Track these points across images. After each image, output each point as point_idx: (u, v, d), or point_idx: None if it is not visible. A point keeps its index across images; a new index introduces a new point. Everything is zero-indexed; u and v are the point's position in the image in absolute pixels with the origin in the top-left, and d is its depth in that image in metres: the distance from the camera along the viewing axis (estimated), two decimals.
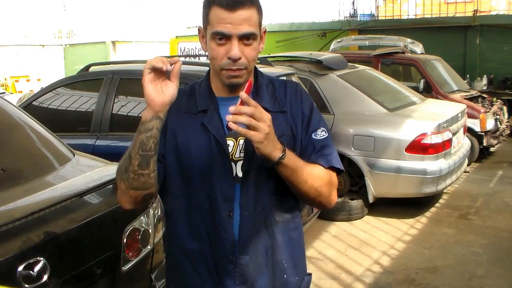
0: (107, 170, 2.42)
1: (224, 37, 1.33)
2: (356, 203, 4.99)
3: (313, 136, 1.45)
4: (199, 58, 8.11)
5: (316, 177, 1.39)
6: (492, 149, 7.60)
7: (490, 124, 6.93)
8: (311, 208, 3.94)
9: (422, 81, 7.22)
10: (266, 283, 1.46)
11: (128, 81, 4.22)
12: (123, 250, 2.16)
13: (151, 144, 1.28)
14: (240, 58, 1.34)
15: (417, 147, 4.72)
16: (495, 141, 7.20)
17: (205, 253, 1.44)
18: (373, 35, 9.98)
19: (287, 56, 6.49)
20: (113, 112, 4.14)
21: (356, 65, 6.21)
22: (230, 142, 1.42)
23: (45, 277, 1.75)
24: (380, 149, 4.82)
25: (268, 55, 6.13)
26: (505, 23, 10.32)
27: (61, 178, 2.38)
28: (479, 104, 7.16)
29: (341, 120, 5.03)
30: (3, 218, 1.80)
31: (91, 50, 20.08)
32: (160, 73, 1.25)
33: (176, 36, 15.03)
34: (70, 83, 4.68)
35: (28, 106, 4.38)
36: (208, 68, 1.51)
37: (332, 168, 1.44)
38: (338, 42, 9.93)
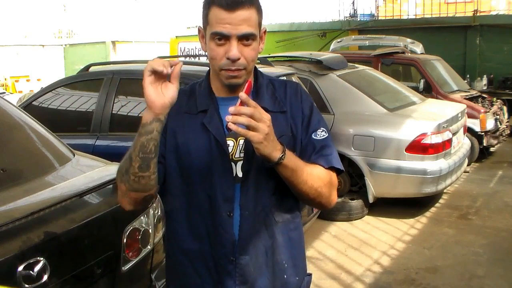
0: (107, 170, 2.42)
1: (223, 38, 1.33)
2: (356, 203, 4.99)
3: (313, 136, 1.45)
4: (199, 58, 8.11)
5: (316, 177, 1.39)
6: (492, 149, 7.60)
7: (490, 124, 6.93)
8: (311, 208, 3.94)
9: (422, 81, 7.23)
10: (266, 283, 1.46)
11: (128, 81, 4.22)
12: (123, 250, 2.16)
13: (152, 146, 1.28)
14: (239, 59, 1.34)
15: (417, 147, 4.72)
16: (495, 141, 7.20)
17: (205, 253, 1.44)
18: (373, 35, 9.98)
19: (287, 56, 6.49)
20: (113, 112, 4.14)
21: (356, 65, 6.21)
22: (230, 142, 1.42)
23: (45, 277, 1.75)
24: (380, 149, 4.82)
25: (268, 55, 6.13)
26: (505, 23, 10.32)
27: (61, 178, 2.38)
28: (479, 104, 7.16)
29: (341, 120, 5.03)
30: (3, 218, 1.80)
31: (91, 50, 20.09)
32: (161, 75, 1.25)
33: (176, 36, 15.03)
34: (70, 83, 4.68)
35: (28, 106, 4.38)
36: (208, 68, 1.51)
37: (332, 168, 1.44)
38: (338, 42, 9.93)
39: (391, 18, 13.20)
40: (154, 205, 2.35)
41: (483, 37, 10.50)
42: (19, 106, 3.79)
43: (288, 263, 1.50)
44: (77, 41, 22.57)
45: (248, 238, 1.42)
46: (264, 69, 3.62)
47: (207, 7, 1.36)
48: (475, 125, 6.77)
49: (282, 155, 1.30)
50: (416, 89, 6.75)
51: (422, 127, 4.79)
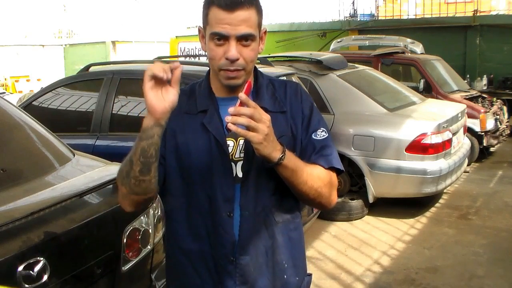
0: (107, 170, 2.42)
1: (222, 38, 1.33)
2: (356, 203, 4.99)
3: (313, 136, 1.45)
4: (199, 58, 8.11)
5: (316, 177, 1.39)
6: (492, 149, 7.60)
7: (490, 124, 6.93)
8: (311, 208, 3.94)
9: (422, 81, 7.22)
10: (267, 284, 1.46)
11: (128, 81, 4.21)
12: (123, 250, 2.16)
13: (152, 151, 1.29)
14: (237, 59, 1.34)
15: (417, 147, 4.72)
16: (495, 141, 7.20)
17: (205, 253, 1.44)
18: (373, 35, 9.98)
19: (287, 56, 6.49)
20: (113, 112, 4.14)
21: (356, 65, 6.21)
22: (230, 142, 1.42)
23: (45, 277, 1.75)
24: (380, 149, 4.82)
25: (268, 55, 6.13)
26: (505, 23, 10.32)
27: (61, 178, 2.38)
28: (479, 104, 7.16)
29: (341, 120, 5.03)
30: (3, 218, 1.80)
31: (91, 50, 20.09)
32: (161, 80, 1.24)
33: (176, 36, 15.03)
34: (70, 83, 4.68)
35: (28, 106, 4.38)
36: (208, 68, 1.50)
37: (332, 168, 1.44)
38: (338, 42, 9.93)
39: (391, 18, 13.20)
40: (154, 205, 2.35)
41: (483, 37, 10.50)
42: (19, 106, 3.79)
43: (288, 263, 1.50)
44: (77, 41, 22.57)
45: (248, 238, 1.42)
46: (264, 69, 3.62)
47: (207, 7, 1.36)
48: (475, 125, 6.77)
49: (282, 156, 1.30)
50: (416, 89, 6.75)
51: (422, 127, 4.79)
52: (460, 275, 3.79)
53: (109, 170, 2.40)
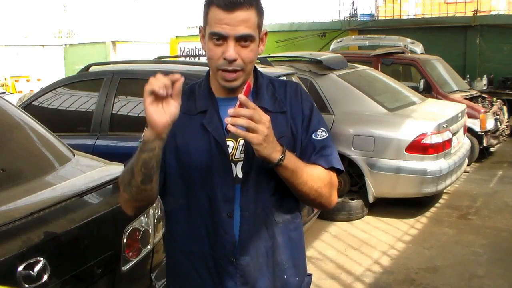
0: (107, 170, 2.42)
1: (221, 38, 1.33)
2: (356, 203, 4.99)
3: (313, 136, 1.45)
4: (199, 58, 8.12)
5: (316, 178, 1.39)
6: (492, 149, 7.60)
7: (490, 124, 6.93)
8: (311, 208, 3.94)
9: (422, 81, 7.22)
10: (267, 284, 1.46)
11: (128, 81, 4.21)
12: (123, 250, 2.16)
13: (154, 162, 1.29)
14: (235, 60, 1.33)
15: (417, 147, 4.72)
16: (495, 141, 7.20)
17: (205, 253, 1.44)
18: (373, 35, 9.97)
19: (287, 56, 6.49)
20: (113, 112, 4.13)
21: (356, 65, 6.21)
22: (230, 143, 1.42)
23: (45, 277, 1.76)
24: (380, 149, 4.82)
25: (268, 55, 6.13)
26: (505, 23, 10.32)
27: (61, 178, 2.38)
28: (479, 104, 7.16)
29: (341, 120, 5.03)
30: (3, 218, 1.80)
31: (91, 50, 20.08)
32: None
33: (176, 36, 15.03)
34: (70, 83, 4.67)
35: (28, 106, 4.38)
36: (208, 68, 1.50)
37: (332, 168, 1.44)
38: (338, 42, 9.93)
39: (391, 18, 13.19)
40: (154, 205, 2.35)
41: (483, 37, 10.50)
42: (19, 106, 3.79)
43: (288, 264, 1.50)
44: (77, 41, 22.57)
45: (249, 238, 1.42)
46: (264, 69, 3.63)
47: (207, 6, 1.36)
48: (475, 125, 6.77)
49: (282, 156, 1.30)
50: (416, 89, 6.75)
51: (422, 127, 4.79)
52: (460, 275, 3.79)
53: (109, 170, 2.39)
